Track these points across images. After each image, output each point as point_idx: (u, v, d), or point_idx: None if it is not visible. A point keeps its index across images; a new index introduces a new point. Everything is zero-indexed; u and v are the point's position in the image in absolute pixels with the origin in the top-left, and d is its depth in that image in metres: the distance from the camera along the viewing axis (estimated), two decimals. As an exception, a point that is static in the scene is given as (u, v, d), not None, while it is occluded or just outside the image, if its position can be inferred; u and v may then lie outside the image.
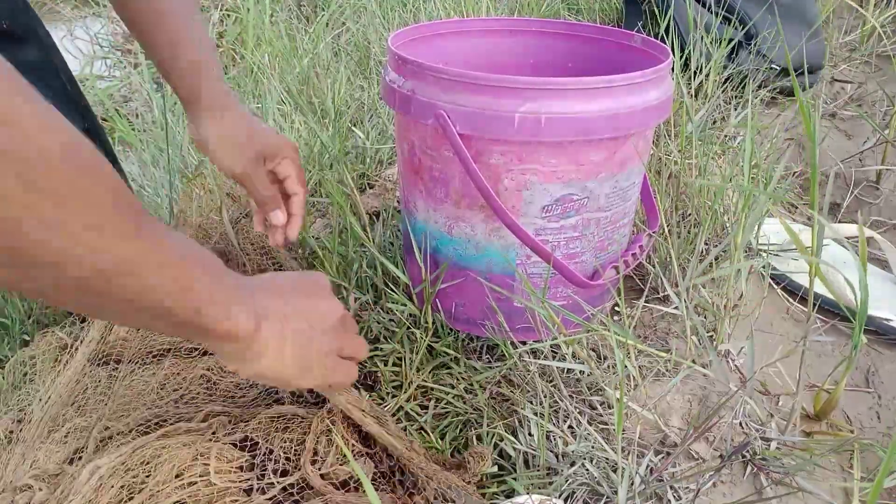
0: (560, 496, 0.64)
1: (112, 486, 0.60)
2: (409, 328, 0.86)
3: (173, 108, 1.53)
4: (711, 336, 0.80)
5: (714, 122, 1.28)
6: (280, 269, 0.94)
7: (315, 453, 0.65)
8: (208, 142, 0.78)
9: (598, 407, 0.72)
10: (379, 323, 0.88)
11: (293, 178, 0.81)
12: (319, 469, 0.64)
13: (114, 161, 0.92)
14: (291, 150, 0.81)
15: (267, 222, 0.84)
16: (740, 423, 0.69)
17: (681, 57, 1.31)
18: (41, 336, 0.87)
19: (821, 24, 1.43)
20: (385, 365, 0.83)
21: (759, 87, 1.39)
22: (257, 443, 0.67)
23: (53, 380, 0.77)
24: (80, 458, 0.68)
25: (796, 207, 1.20)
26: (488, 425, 0.74)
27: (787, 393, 0.75)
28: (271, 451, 0.67)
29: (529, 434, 0.70)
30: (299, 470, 0.64)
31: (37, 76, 0.80)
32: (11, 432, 0.72)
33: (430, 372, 0.83)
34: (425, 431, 0.77)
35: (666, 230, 0.86)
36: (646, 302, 0.85)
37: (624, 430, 0.68)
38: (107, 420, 0.71)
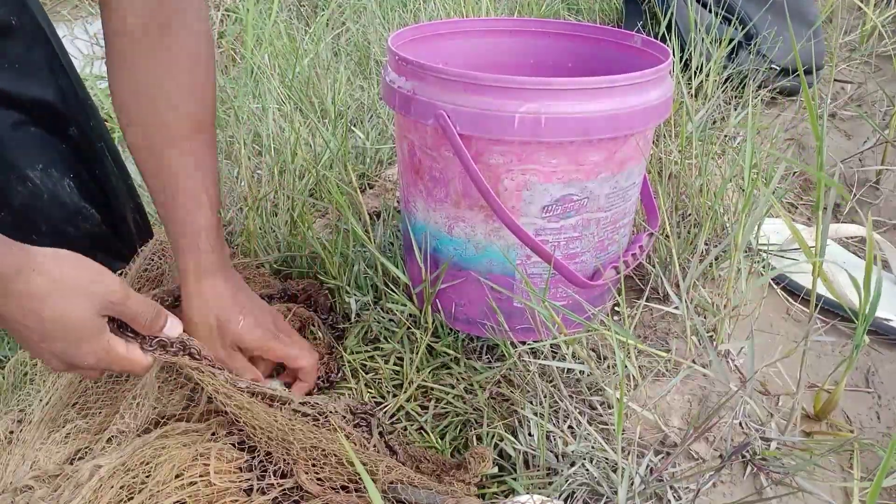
0: (560, 496, 0.64)
1: (112, 487, 0.60)
2: (409, 328, 0.86)
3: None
4: (711, 336, 0.80)
5: (714, 122, 1.28)
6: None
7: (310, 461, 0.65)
8: (184, 304, 0.74)
9: (598, 407, 0.72)
10: (379, 323, 0.88)
11: (303, 387, 0.80)
12: (317, 474, 0.64)
13: (116, 159, 0.91)
14: (305, 363, 0.79)
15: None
16: (740, 423, 0.69)
17: (681, 57, 1.31)
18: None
19: (821, 24, 1.43)
20: (385, 363, 0.83)
21: (759, 87, 1.39)
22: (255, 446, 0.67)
23: (54, 381, 0.77)
24: (81, 458, 0.68)
25: (796, 207, 1.20)
26: (488, 425, 0.74)
27: (787, 393, 0.75)
28: (269, 454, 0.67)
29: (529, 434, 0.70)
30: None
31: (47, 70, 0.79)
32: (11, 433, 0.72)
33: (430, 372, 0.83)
34: (425, 431, 0.77)
35: (666, 230, 0.86)
36: (646, 302, 0.85)
37: (624, 430, 0.68)
38: (107, 420, 0.71)
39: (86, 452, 0.68)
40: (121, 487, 0.61)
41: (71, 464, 0.67)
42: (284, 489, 0.64)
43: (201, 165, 0.73)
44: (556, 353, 0.79)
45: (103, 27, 0.68)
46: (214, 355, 0.71)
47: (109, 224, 0.89)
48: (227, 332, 0.73)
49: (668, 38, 1.28)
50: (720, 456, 0.66)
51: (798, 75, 1.37)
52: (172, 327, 0.68)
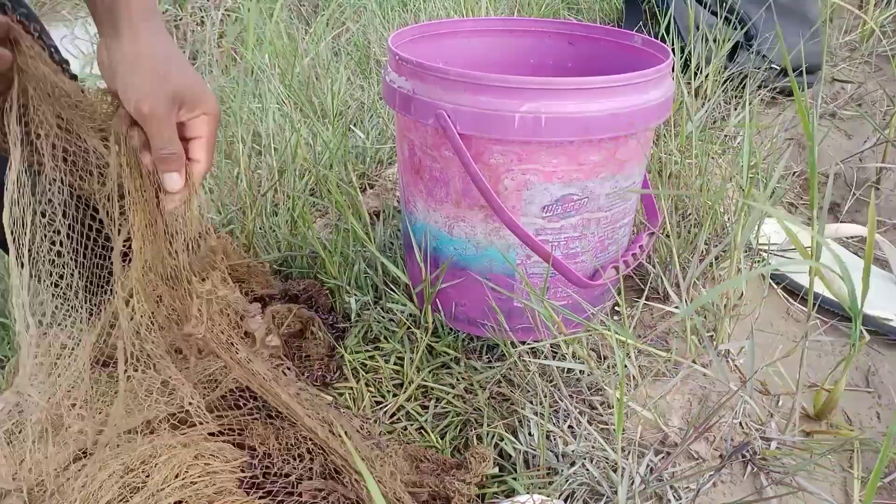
0: (560, 496, 0.64)
1: (112, 487, 0.60)
2: (409, 328, 0.86)
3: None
4: (711, 336, 0.80)
5: (714, 122, 1.28)
6: None
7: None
8: (116, 66, 0.63)
9: (598, 407, 0.72)
10: (379, 322, 0.88)
11: (202, 142, 0.66)
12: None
13: None
14: (213, 108, 0.66)
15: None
16: (740, 423, 0.69)
17: (681, 57, 1.31)
18: (42, 336, 0.86)
19: (821, 24, 1.43)
20: (386, 363, 0.84)
21: (759, 87, 1.39)
22: (255, 447, 0.67)
23: (53, 382, 0.77)
24: (82, 458, 0.68)
25: (796, 207, 1.20)
26: (488, 425, 0.74)
27: (787, 393, 0.75)
28: (268, 454, 0.67)
29: (529, 434, 0.70)
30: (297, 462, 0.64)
31: None
32: (11, 434, 0.72)
33: (430, 372, 0.83)
34: (425, 431, 0.77)
35: (667, 230, 0.86)
36: (646, 302, 0.85)
37: (624, 430, 0.68)
38: (108, 420, 0.71)
39: (84, 454, 0.68)
40: (121, 487, 0.61)
41: (75, 462, 0.67)
42: (285, 488, 0.64)
43: None
44: (556, 352, 0.79)
45: None
46: (149, 107, 0.62)
47: None
48: (177, 71, 0.64)
49: (667, 38, 1.28)
50: (720, 456, 0.66)
51: (799, 75, 1.37)
52: None
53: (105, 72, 0.64)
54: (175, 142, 0.64)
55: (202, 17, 2.34)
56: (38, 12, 0.84)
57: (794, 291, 0.94)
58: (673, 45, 1.31)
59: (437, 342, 0.85)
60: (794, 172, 1.24)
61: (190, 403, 0.70)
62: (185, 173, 0.66)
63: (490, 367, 0.82)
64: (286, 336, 0.85)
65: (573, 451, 0.66)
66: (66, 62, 0.77)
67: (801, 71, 1.37)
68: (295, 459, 0.66)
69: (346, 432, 0.68)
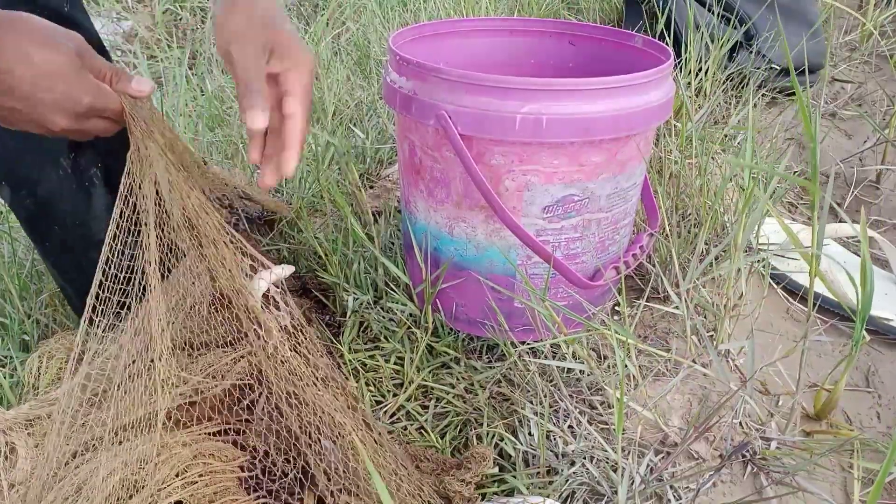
0: (560, 496, 0.64)
1: (112, 486, 0.60)
2: (409, 328, 0.86)
3: (173, 109, 1.53)
4: (711, 336, 0.80)
5: (715, 122, 1.28)
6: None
7: None
8: (217, 16, 0.64)
9: (598, 407, 0.72)
10: (379, 322, 0.88)
11: (296, 96, 0.65)
12: None
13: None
14: (306, 62, 0.66)
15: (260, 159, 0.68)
16: (740, 423, 0.69)
17: (681, 57, 1.31)
18: (60, 338, 0.87)
19: (821, 23, 1.43)
20: (386, 363, 0.84)
21: (759, 87, 1.39)
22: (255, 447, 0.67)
23: (57, 386, 0.77)
24: (83, 454, 0.68)
25: (796, 207, 1.20)
26: (488, 425, 0.74)
27: (787, 392, 0.75)
28: (267, 454, 0.67)
29: (529, 434, 0.70)
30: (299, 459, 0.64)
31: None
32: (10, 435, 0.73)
33: (430, 371, 0.83)
34: (425, 431, 0.77)
35: (667, 230, 0.86)
36: (646, 302, 0.85)
37: (624, 430, 0.68)
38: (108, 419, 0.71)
39: (86, 448, 0.68)
40: (121, 487, 0.61)
41: (74, 458, 0.67)
42: (286, 488, 0.64)
43: None
44: (556, 352, 0.79)
45: None
46: (237, 49, 0.63)
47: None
48: (273, 23, 0.65)
49: (667, 38, 1.28)
50: (720, 455, 0.66)
51: (799, 74, 1.37)
52: (144, 82, 0.63)
53: (214, 30, 0.65)
54: (260, 80, 0.63)
55: (202, 16, 2.34)
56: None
57: (794, 291, 0.94)
58: (673, 45, 1.31)
59: (437, 342, 0.85)
60: (795, 172, 1.25)
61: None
62: (283, 131, 0.65)
63: (490, 367, 0.82)
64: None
65: (573, 451, 0.66)
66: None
67: (802, 71, 1.37)
68: (296, 459, 0.66)
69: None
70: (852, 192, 1.19)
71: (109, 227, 0.64)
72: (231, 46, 0.63)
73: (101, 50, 0.80)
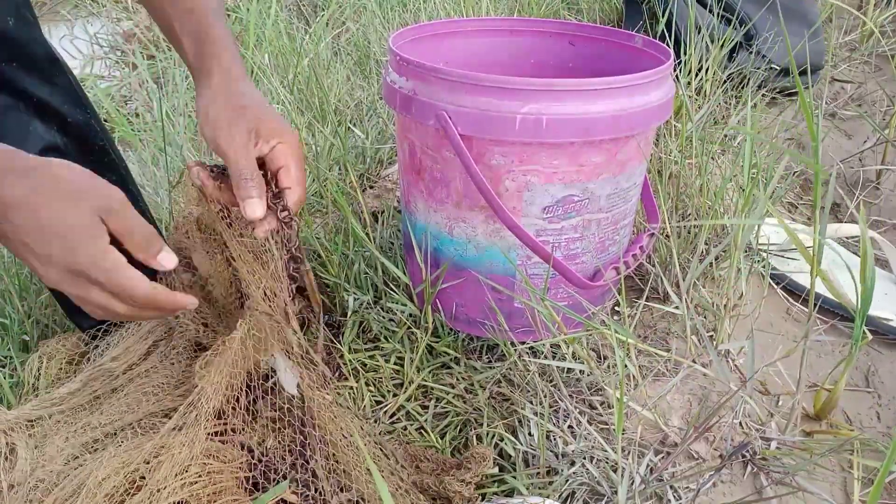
0: (560, 496, 0.64)
1: (112, 486, 0.60)
2: (409, 328, 0.86)
3: (173, 109, 1.53)
4: (711, 336, 0.80)
5: (714, 122, 1.28)
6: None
7: None
8: (199, 107, 0.67)
9: (598, 407, 0.72)
10: (379, 322, 0.88)
11: (288, 171, 0.68)
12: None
13: (117, 159, 0.91)
14: (290, 138, 0.68)
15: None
16: (740, 423, 0.69)
17: (680, 57, 1.31)
18: (60, 338, 0.87)
19: (821, 24, 1.43)
20: (386, 363, 0.84)
21: (759, 87, 1.39)
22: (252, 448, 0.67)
23: (57, 386, 0.77)
24: (83, 455, 0.68)
25: (796, 207, 1.20)
26: (488, 425, 0.74)
27: (787, 393, 0.75)
28: (265, 454, 0.67)
29: (529, 434, 0.70)
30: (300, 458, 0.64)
31: (48, 72, 0.79)
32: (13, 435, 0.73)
33: (430, 371, 0.83)
34: (425, 431, 0.77)
35: (667, 230, 0.86)
36: (646, 302, 0.85)
37: (624, 430, 0.68)
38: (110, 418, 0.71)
39: (86, 448, 0.69)
40: (121, 486, 0.61)
41: (76, 458, 0.67)
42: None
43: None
44: (556, 352, 0.79)
45: None
46: (224, 141, 0.65)
47: None
48: (251, 109, 0.67)
49: (667, 38, 1.28)
50: (720, 456, 0.66)
51: (800, 74, 1.37)
52: (168, 258, 0.62)
53: (198, 117, 0.68)
54: (252, 169, 0.65)
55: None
56: (38, 13, 0.84)
57: (794, 291, 0.94)
58: (674, 45, 1.31)
59: (437, 342, 0.85)
60: (795, 172, 1.25)
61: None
62: (269, 202, 0.67)
63: (490, 367, 0.82)
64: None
65: (573, 451, 0.66)
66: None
67: (803, 71, 1.37)
68: (297, 459, 0.66)
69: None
70: (852, 192, 1.19)
71: None
72: (219, 138, 0.65)
73: (53, 61, 0.78)
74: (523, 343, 0.79)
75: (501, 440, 0.72)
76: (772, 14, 1.39)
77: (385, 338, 0.87)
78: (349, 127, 1.35)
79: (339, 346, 0.86)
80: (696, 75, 1.24)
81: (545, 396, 0.72)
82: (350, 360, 0.84)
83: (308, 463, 0.66)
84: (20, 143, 0.66)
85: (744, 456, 0.66)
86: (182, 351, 0.82)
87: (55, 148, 0.78)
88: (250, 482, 0.65)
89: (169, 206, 1.16)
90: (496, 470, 0.68)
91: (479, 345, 0.86)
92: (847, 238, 1.07)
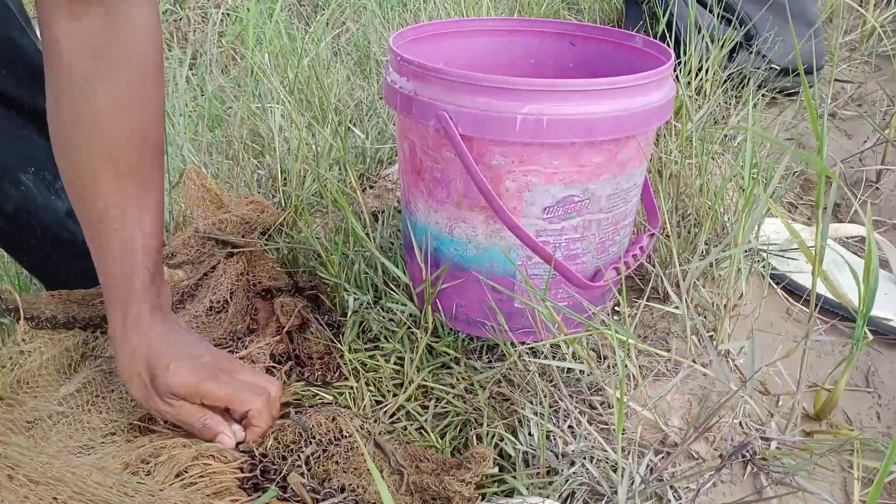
0: (560, 496, 0.64)
1: (112, 486, 0.60)
2: (409, 328, 0.86)
3: (173, 109, 1.53)
4: (711, 336, 0.80)
5: (715, 122, 1.28)
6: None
7: None
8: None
9: (598, 407, 0.72)
10: (379, 322, 0.88)
11: (255, 431, 0.70)
12: None
13: None
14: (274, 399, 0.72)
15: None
16: (740, 423, 0.69)
17: (678, 54, 1.32)
18: (60, 338, 0.87)
19: (821, 23, 1.43)
20: (386, 363, 0.84)
21: (759, 87, 1.39)
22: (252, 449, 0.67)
23: (57, 388, 0.77)
24: (83, 453, 0.68)
25: (796, 207, 1.20)
26: (488, 425, 0.75)
27: (787, 393, 0.75)
28: (265, 455, 0.67)
29: (529, 434, 0.70)
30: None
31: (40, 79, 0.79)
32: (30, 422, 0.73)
33: (430, 372, 0.83)
34: (425, 431, 0.77)
35: (667, 230, 0.86)
36: (646, 302, 0.85)
37: (624, 430, 0.68)
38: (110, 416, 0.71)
39: (83, 449, 0.68)
40: (121, 486, 0.61)
41: (76, 458, 0.67)
42: (284, 488, 0.64)
43: (140, 194, 0.65)
44: (556, 353, 0.79)
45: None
46: (155, 409, 0.68)
47: None
48: (158, 382, 0.66)
49: (667, 38, 1.28)
50: (720, 456, 0.67)
51: (798, 75, 1.37)
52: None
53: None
54: (199, 415, 0.68)
55: (202, 14, 2.34)
56: (33, 14, 0.84)
57: (794, 291, 0.94)
58: (674, 45, 1.31)
59: (437, 342, 0.85)
60: (795, 172, 1.25)
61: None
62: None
63: (490, 368, 0.82)
64: (288, 330, 0.86)
65: (573, 451, 0.66)
66: None
67: (807, 69, 1.37)
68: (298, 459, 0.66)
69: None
70: (853, 192, 1.19)
71: None
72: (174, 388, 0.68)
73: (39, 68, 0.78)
74: (523, 343, 0.79)
75: (501, 440, 0.72)
76: (772, 14, 1.39)
77: (385, 338, 0.87)
78: (349, 127, 1.35)
79: (339, 345, 0.86)
80: (696, 75, 1.24)
81: (545, 396, 0.72)
82: (350, 360, 0.84)
83: (308, 463, 0.66)
84: (18, 151, 0.67)
85: (744, 456, 0.66)
86: None
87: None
88: (250, 483, 0.65)
89: (169, 206, 1.16)
90: (496, 470, 0.68)
91: (479, 345, 0.86)
92: (847, 238, 1.07)
